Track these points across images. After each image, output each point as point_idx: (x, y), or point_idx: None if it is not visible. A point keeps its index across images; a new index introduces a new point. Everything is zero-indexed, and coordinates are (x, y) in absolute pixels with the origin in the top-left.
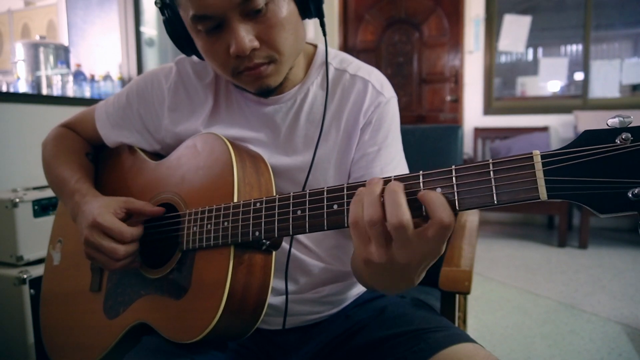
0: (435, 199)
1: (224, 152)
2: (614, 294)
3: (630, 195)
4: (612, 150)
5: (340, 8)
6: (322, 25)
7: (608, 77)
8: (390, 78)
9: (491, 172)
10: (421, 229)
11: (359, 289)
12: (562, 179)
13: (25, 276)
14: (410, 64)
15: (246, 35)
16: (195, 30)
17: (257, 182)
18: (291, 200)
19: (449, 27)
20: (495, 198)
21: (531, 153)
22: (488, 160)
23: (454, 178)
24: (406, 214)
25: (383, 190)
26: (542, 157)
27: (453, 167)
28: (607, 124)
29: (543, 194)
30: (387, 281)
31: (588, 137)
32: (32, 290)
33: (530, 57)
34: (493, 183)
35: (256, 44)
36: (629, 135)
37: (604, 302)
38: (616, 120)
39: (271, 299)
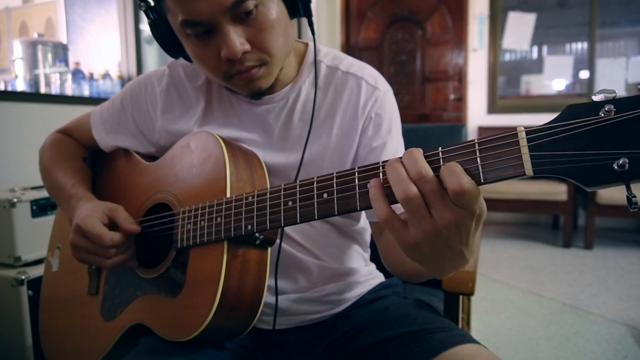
0: (446, 170)
1: (216, 148)
2: (619, 295)
3: (615, 166)
4: (596, 123)
5: (342, 6)
6: (311, 24)
7: (614, 75)
8: (393, 76)
9: (477, 152)
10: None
11: (360, 290)
12: (547, 154)
13: (23, 277)
14: (413, 62)
15: (237, 39)
16: (185, 35)
17: (250, 178)
18: (282, 192)
19: (453, 24)
20: (481, 177)
21: (516, 129)
22: (474, 140)
23: (440, 160)
24: (424, 165)
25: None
26: (527, 132)
27: (440, 149)
28: (592, 99)
29: (529, 169)
30: (437, 259)
31: (572, 112)
32: (30, 292)
33: (534, 55)
34: (479, 162)
35: (247, 47)
36: (612, 107)
37: (610, 304)
38: (601, 95)
39: (270, 299)
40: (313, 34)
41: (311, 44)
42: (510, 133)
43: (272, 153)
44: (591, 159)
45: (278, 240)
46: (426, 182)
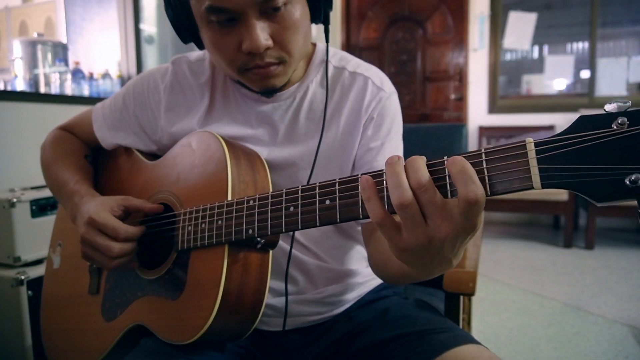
0: (457, 173)
1: (218, 149)
2: (620, 296)
3: (627, 182)
4: (608, 136)
5: (342, 5)
6: (327, 31)
7: (614, 75)
8: (394, 76)
9: (484, 162)
10: (447, 200)
11: (361, 290)
12: (556, 167)
13: (22, 277)
14: (414, 62)
15: (262, 34)
16: (207, 21)
17: (252, 179)
18: (284, 197)
19: (453, 24)
20: (488, 189)
21: (524, 141)
22: (481, 150)
23: (446, 169)
24: (425, 175)
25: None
26: (536, 144)
27: (445, 157)
28: (605, 110)
29: (537, 183)
30: (425, 264)
31: (583, 123)
32: (29, 292)
33: (535, 54)
34: (486, 173)
35: (270, 43)
36: (625, 119)
37: (611, 304)
38: (614, 105)
39: (271, 300)
40: (327, 40)
41: (319, 44)
42: (518, 144)
43: (276, 151)
44: (602, 173)
45: (287, 245)
46: (425, 192)
